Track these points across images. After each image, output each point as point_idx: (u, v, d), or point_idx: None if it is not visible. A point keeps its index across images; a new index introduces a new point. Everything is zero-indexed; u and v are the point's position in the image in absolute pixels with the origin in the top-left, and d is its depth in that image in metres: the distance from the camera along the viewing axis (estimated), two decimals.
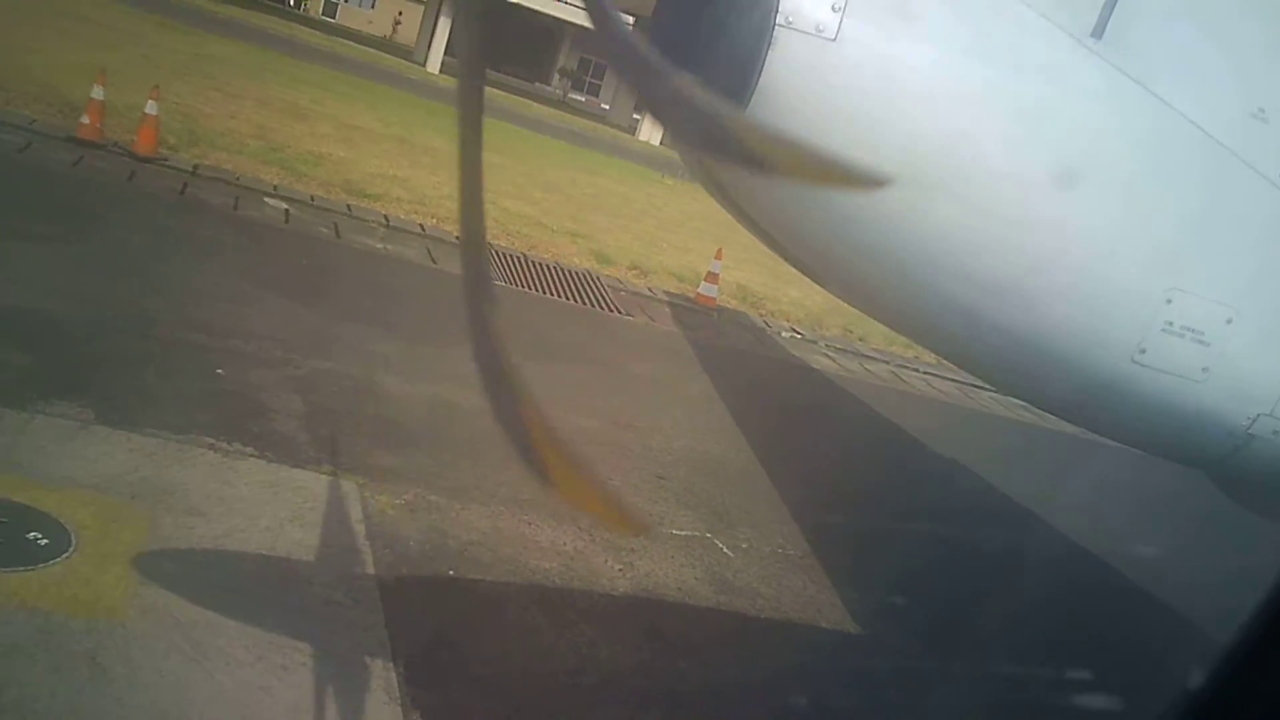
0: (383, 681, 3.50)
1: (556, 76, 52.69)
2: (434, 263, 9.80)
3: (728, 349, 10.20)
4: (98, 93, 9.78)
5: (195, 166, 10.26)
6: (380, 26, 54.64)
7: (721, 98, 1.52)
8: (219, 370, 5.68)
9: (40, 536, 3.66)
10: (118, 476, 4.23)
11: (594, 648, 4.20)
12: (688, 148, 2.68)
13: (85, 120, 9.78)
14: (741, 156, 1.61)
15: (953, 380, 11.07)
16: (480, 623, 4.16)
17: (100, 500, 4.02)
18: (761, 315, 12.08)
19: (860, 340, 11.89)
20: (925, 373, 11.32)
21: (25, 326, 5.41)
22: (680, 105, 1.44)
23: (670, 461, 6.44)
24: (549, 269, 10.80)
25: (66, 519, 3.81)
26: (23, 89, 10.82)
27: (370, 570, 4.17)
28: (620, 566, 4.92)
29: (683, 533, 5.50)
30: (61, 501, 3.90)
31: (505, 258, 10.56)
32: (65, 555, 3.60)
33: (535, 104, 36.59)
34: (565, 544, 4.94)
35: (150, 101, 9.94)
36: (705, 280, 11.68)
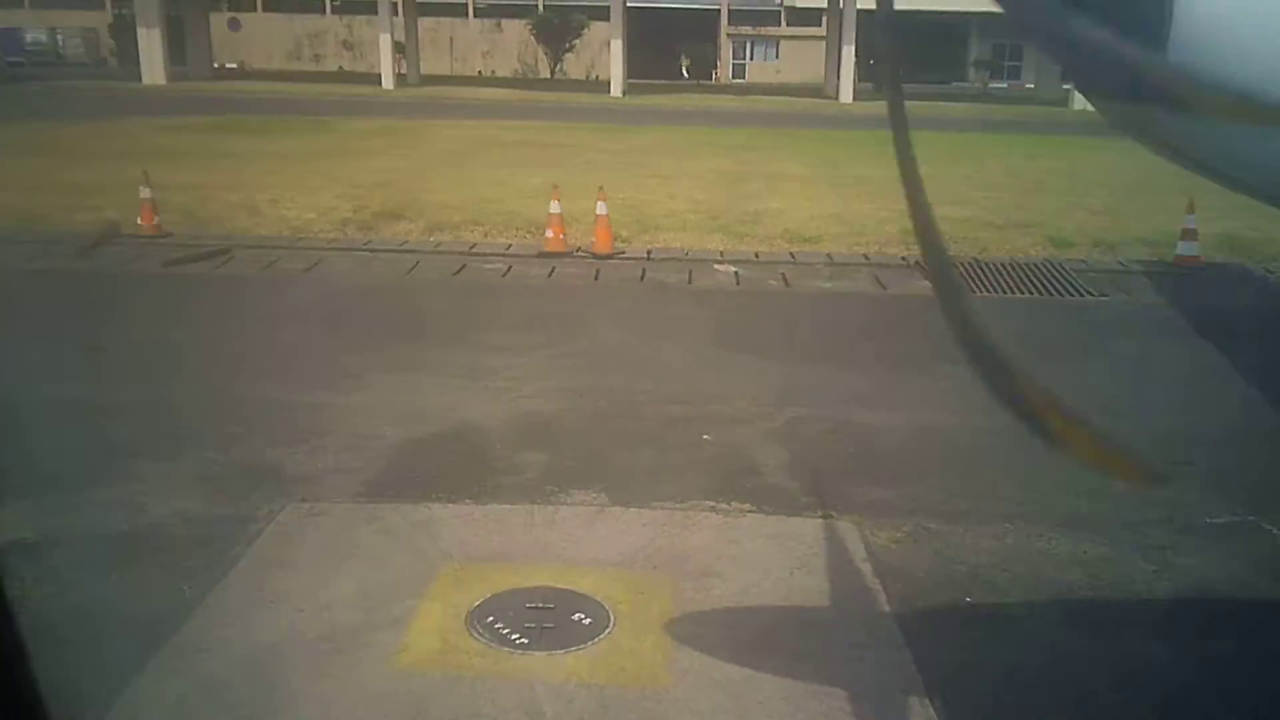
0: (921, 715, 3.46)
1: (972, 70, 51.13)
2: (884, 288, 9.77)
3: (1223, 309, 9.19)
4: (555, 208, 10.82)
5: (649, 252, 11.03)
6: (788, 74, 55.96)
7: (1139, 43, 1.41)
8: (705, 436, 6.00)
9: (584, 616, 4.04)
10: (637, 551, 4.58)
11: (1145, 659, 3.89)
12: (1111, 100, 2.48)
13: (549, 234, 10.86)
14: (1169, 100, 1.48)
15: None
16: (1010, 647, 4.00)
17: (627, 575, 4.36)
18: (1260, 264, 10.78)
19: None
20: None
21: (536, 427, 6.05)
22: (1100, 58, 1.36)
23: (1184, 443, 5.86)
24: (1006, 267, 10.38)
25: (603, 597, 4.17)
26: (492, 220, 12.24)
27: (886, 608, 4.17)
28: (1154, 567, 4.54)
29: (1220, 520, 4.97)
30: (595, 582, 4.28)
31: (960, 266, 10.27)
32: (607, 631, 3.94)
33: (954, 104, 35.53)
34: (1085, 551, 4.65)
35: (599, 203, 10.84)
36: (1181, 239, 10.63)
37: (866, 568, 4.48)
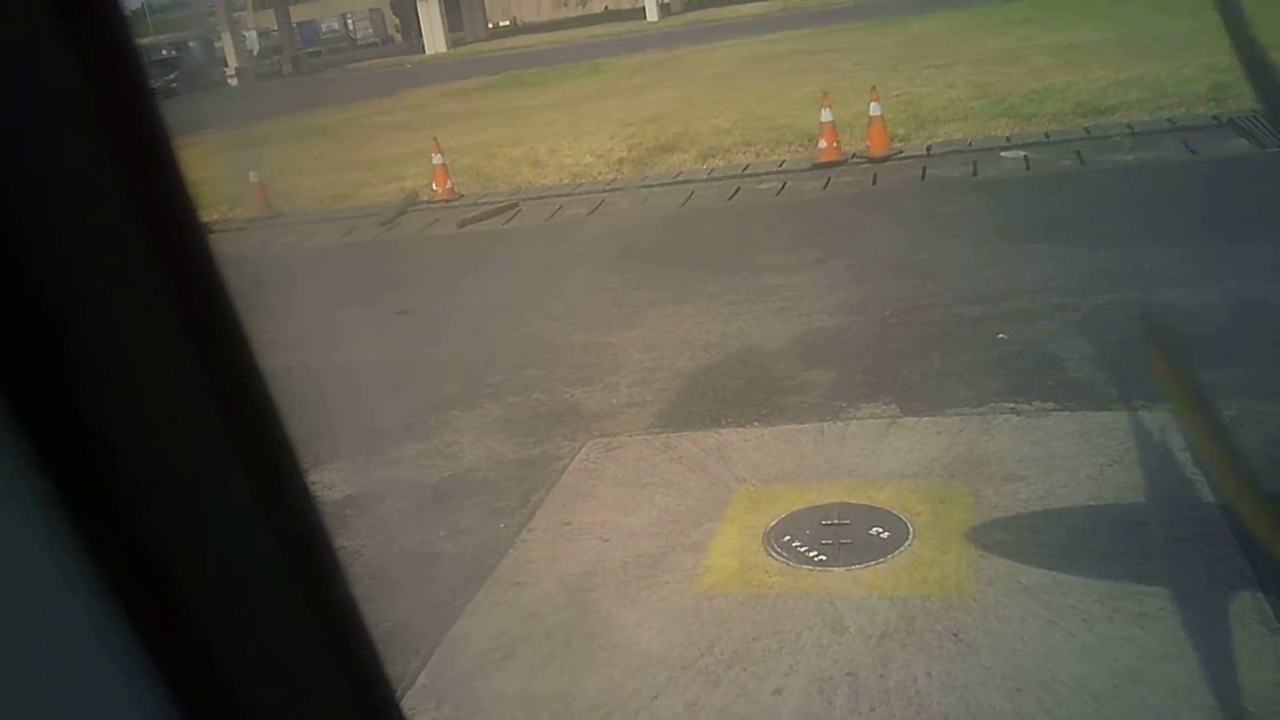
0: (1255, 614, 3.19)
1: None
2: (1193, 153, 8.91)
3: None
4: (826, 116, 10.56)
5: (928, 149, 10.58)
6: None
7: None
8: (1000, 335, 5.73)
9: (882, 530, 3.98)
10: (933, 460, 4.45)
11: None
12: None
13: (822, 144, 10.63)
14: None
15: None
16: None
17: (924, 486, 4.26)
18: None
19: None
20: None
21: (820, 344, 5.98)
22: None
23: None
24: None
25: (899, 510, 4.09)
26: (763, 139, 12.13)
27: (1209, 499, 3.85)
28: None
29: None
30: (891, 495, 4.21)
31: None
32: (907, 544, 3.87)
33: None
34: None
35: (872, 104, 10.48)
36: None
37: (1186, 459, 4.15)
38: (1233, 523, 3.66)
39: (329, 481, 5.09)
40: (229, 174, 14.45)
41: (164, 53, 49.01)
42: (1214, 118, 9.71)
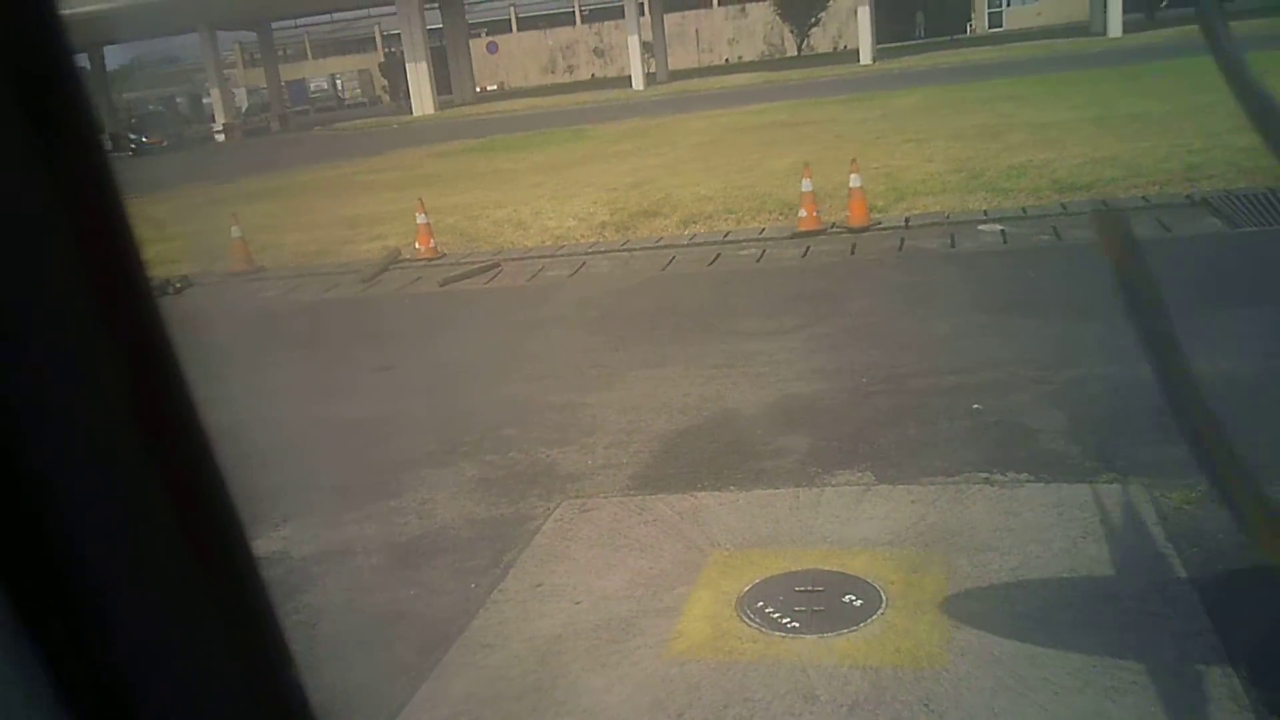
0: (1226, 690, 3.19)
1: None
2: (1168, 230, 9.06)
3: None
4: (806, 185, 10.70)
5: (906, 220, 10.72)
6: (1049, 16, 52.97)
7: None
8: (976, 406, 5.77)
9: (855, 598, 3.97)
10: (907, 529, 4.46)
11: None
12: None
13: (802, 214, 10.75)
14: None
15: None
16: None
17: (898, 554, 4.25)
18: None
19: None
20: None
21: (797, 409, 6.00)
22: None
23: None
24: None
25: (873, 578, 4.08)
26: (744, 206, 12.27)
27: (1182, 573, 3.86)
28: None
29: None
30: (865, 563, 4.20)
31: (1251, 200, 9.40)
32: (880, 612, 3.86)
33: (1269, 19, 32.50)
34: None
35: (852, 175, 10.63)
36: None
37: (1158, 532, 4.17)
38: (1205, 597, 3.67)
39: (298, 537, 5.05)
40: (211, 228, 14.49)
41: (151, 108, 49.38)
42: (1187, 197, 9.89)
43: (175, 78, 69.29)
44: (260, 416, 6.89)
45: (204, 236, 14.31)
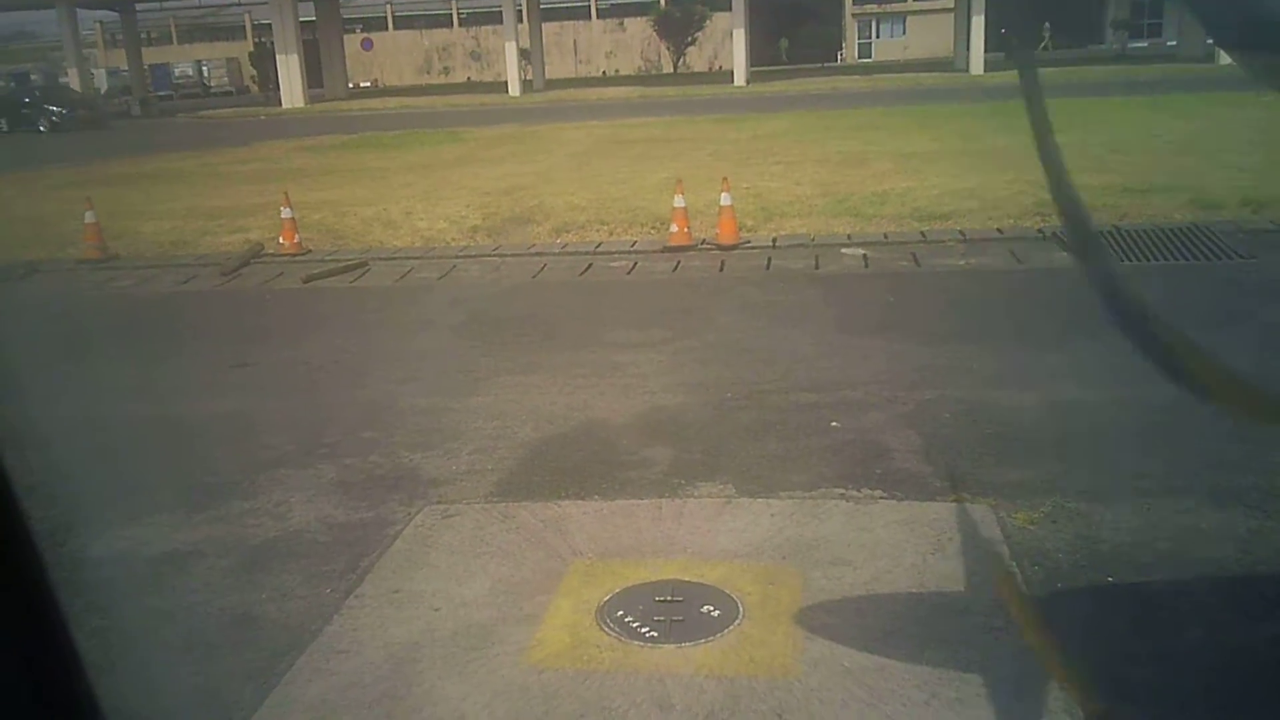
0: (1061, 703, 3.34)
1: (1110, 31, 49.37)
2: (1019, 262, 9.47)
3: None
4: (678, 201, 10.81)
5: (774, 240, 10.93)
6: (915, 50, 54.83)
7: None
8: (834, 423, 5.92)
9: (713, 609, 4.03)
10: (765, 541, 4.54)
11: None
12: (1252, 52, 2.35)
13: (674, 228, 10.87)
14: None
15: None
16: (1153, 629, 3.82)
17: (755, 566, 4.33)
18: None
19: None
20: None
21: (663, 421, 6.06)
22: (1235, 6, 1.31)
23: None
24: (1147, 233, 9.93)
25: (731, 589, 4.15)
26: (617, 219, 12.34)
27: (1024, 590, 4.04)
28: None
29: None
30: (724, 574, 4.27)
31: (1100, 234, 9.88)
32: (736, 623, 3.92)
33: (1093, 68, 34.26)
34: (1238, 527, 4.42)
35: (723, 194, 10.79)
36: None
37: (1004, 550, 4.35)
38: (1045, 613, 3.84)
39: (144, 538, 4.86)
40: (63, 213, 13.86)
41: (61, 80, 47.11)
42: (1039, 231, 10.34)
43: (31, 55, 66.05)
44: (107, 413, 6.63)
45: (55, 222, 13.68)
